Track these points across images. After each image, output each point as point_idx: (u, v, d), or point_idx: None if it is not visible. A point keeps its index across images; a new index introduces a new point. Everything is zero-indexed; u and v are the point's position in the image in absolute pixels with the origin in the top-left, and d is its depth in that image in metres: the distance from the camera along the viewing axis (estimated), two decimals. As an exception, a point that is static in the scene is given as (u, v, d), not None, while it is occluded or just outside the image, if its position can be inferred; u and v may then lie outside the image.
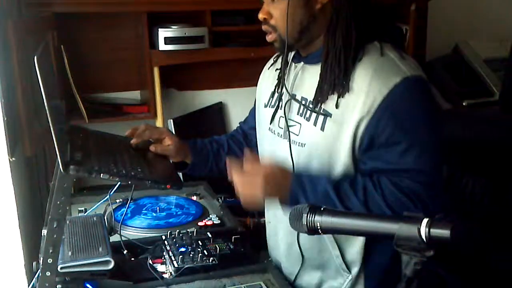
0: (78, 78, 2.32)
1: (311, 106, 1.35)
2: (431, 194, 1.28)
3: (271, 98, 1.51)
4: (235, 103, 2.91)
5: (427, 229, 0.89)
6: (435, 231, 0.88)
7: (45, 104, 1.14)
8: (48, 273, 1.22)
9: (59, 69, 2.22)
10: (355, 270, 1.40)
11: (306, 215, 1.03)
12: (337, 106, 1.29)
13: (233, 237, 1.60)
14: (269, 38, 1.39)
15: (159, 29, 2.39)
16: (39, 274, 1.25)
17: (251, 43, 2.60)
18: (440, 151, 1.33)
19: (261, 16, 1.38)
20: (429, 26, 2.86)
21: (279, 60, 1.52)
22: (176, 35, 2.40)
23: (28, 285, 1.43)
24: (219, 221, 1.77)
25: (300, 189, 1.28)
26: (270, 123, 1.48)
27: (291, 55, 1.46)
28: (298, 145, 1.38)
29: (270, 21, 1.37)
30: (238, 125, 1.82)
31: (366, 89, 1.26)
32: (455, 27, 3.14)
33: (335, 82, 1.30)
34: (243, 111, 2.88)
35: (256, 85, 1.66)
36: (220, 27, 2.52)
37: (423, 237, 0.89)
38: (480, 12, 3.22)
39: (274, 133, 1.47)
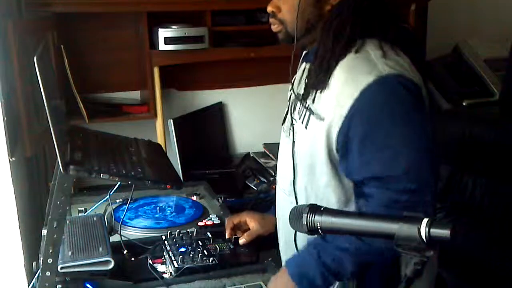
0: (78, 78, 2.32)
1: (303, 103, 1.36)
2: (409, 199, 1.22)
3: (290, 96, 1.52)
4: (235, 103, 2.91)
5: (427, 229, 0.89)
6: (435, 231, 0.88)
7: (45, 104, 1.14)
8: (48, 273, 1.22)
9: (59, 69, 2.22)
10: None
11: (306, 215, 1.03)
12: (313, 101, 1.30)
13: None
14: (274, 28, 1.40)
15: (159, 29, 2.39)
16: (39, 274, 1.25)
17: (251, 43, 2.60)
18: (420, 154, 1.24)
19: (269, 9, 1.38)
20: (429, 26, 2.86)
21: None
22: (176, 35, 2.40)
23: (28, 285, 1.44)
24: (219, 221, 1.77)
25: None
26: (283, 123, 1.50)
27: (302, 54, 1.47)
28: (292, 143, 1.39)
29: (278, 14, 1.37)
30: None
31: (340, 89, 1.25)
32: (455, 27, 3.14)
33: (317, 79, 1.29)
34: (243, 111, 2.91)
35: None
36: (220, 27, 2.52)
37: (423, 237, 0.89)
38: (480, 12, 3.22)
39: (284, 132, 1.49)
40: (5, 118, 1.62)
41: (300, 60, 1.48)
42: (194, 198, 1.99)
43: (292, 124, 1.41)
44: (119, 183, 1.40)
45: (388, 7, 1.34)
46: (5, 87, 1.66)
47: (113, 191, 1.58)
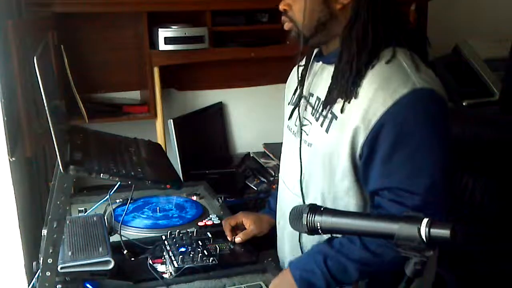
0: (78, 78, 2.32)
1: (321, 107, 1.34)
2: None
3: (293, 96, 1.50)
4: (235, 103, 2.91)
5: (427, 229, 0.89)
6: (435, 231, 0.88)
7: (45, 104, 1.14)
8: (48, 273, 1.22)
9: (59, 69, 2.22)
10: None
11: (306, 215, 1.03)
12: (342, 110, 1.27)
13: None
14: (285, 26, 1.38)
15: (159, 29, 2.39)
16: (39, 274, 1.25)
17: (251, 43, 2.60)
18: (443, 175, 1.23)
19: (281, 7, 1.37)
20: (429, 26, 2.86)
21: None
22: (176, 35, 2.40)
23: (28, 285, 1.43)
24: (219, 221, 1.77)
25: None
26: (289, 119, 1.49)
27: (313, 53, 1.45)
28: (307, 145, 1.37)
29: (289, 12, 1.36)
30: None
31: (371, 97, 1.22)
32: (455, 27, 3.14)
33: (345, 87, 1.27)
34: (243, 111, 2.91)
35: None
36: (220, 27, 2.52)
37: (423, 237, 0.89)
38: (480, 12, 3.22)
39: (290, 131, 1.48)
40: (5, 118, 1.62)
41: (312, 58, 1.45)
42: (194, 198, 1.99)
43: (302, 124, 1.39)
44: (119, 183, 1.40)
45: (399, 10, 1.34)
46: (5, 87, 1.66)
47: (113, 191, 1.58)
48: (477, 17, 3.21)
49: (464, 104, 2.86)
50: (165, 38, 2.39)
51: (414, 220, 0.91)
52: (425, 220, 0.90)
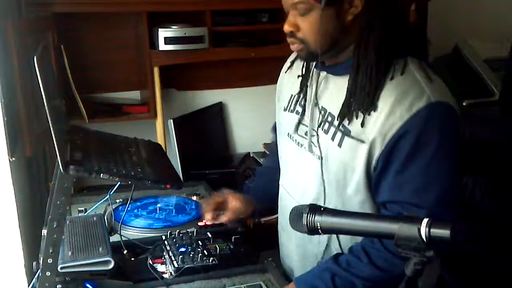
0: (78, 78, 2.32)
1: (329, 119, 1.31)
2: None
3: (291, 102, 1.46)
4: (235, 103, 2.91)
5: (427, 229, 0.89)
6: (435, 231, 0.88)
7: (45, 104, 1.14)
8: (48, 273, 1.22)
9: (59, 69, 2.22)
10: None
11: (306, 215, 1.03)
12: (362, 124, 1.24)
13: (233, 237, 1.60)
14: (294, 47, 1.33)
15: (159, 29, 2.39)
16: (39, 274, 1.25)
17: (251, 43, 2.60)
18: (452, 189, 1.24)
19: (287, 28, 1.29)
20: (429, 26, 2.86)
21: (296, 64, 1.49)
22: (176, 35, 2.40)
23: (28, 285, 1.43)
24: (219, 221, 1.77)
25: None
26: (293, 131, 1.43)
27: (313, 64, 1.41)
28: (317, 157, 1.34)
29: (297, 34, 1.29)
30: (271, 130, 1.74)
31: (388, 111, 1.21)
32: (455, 27, 3.14)
33: (365, 99, 1.24)
34: (243, 111, 2.91)
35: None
36: (220, 27, 2.52)
37: (423, 237, 0.89)
38: (480, 12, 3.22)
39: (293, 141, 1.44)
40: (5, 118, 1.62)
41: (311, 66, 1.40)
42: (194, 198, 1.99)
43: (312, 137, 1.36)
44: (119, 183, 1.40)
45: (406, 18, 1.32)
46: (5, 87, 1.66)
47: (113, 191, 1.58)
48: (477, 17, 3.21)
49: (464, 104, 2.86)
50: (165, 38, 2.39)
51: (414, 220, 0.91)
52: (425, 220, 0.90)
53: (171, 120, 2.52)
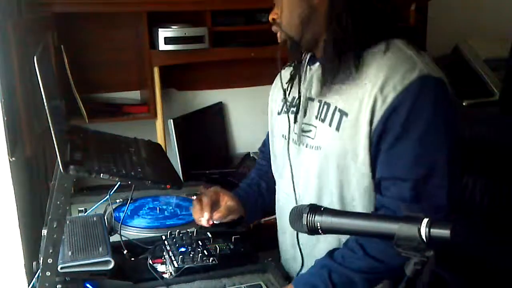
0: (78, 78, 2.32)
1: (325, 107, 1.32)
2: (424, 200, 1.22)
3: (284, 104, 1.46)
4: (235, 103, 2.91)
5: (427, 229, 0.89)
6: (435, 231, 0.88)
7: (45, 104, 1.14)
8: (48, 273, 1.22)
9: (59, 69, 2.22)
10: None
11: (306, 215, 1.03)
12: (346, 103, 1.27)
13: (233, 237, 1.60)
14: (278, 38, 1.38)
15: (159, 29, 2.39)
16: (39, 274, 1.25)
17: (251, 43, 2.60)
18: (446, 165, 1.23)
19: (270, 17, 1.37)
20: (429, 26, 2.86)
21: (287, 68, 1.51)
22: (176, 35, 2.40)
23: (28, 285, 1.43)
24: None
25: None
26: (288, 131, 1.43)
27: (306, 58, 1.40)
28: (315, 149, 1.34)
29: (277, 20, 1.36)
30: (259, 152, 1.78)
31: (380, 85, 1.23)
32: (455, 27, 3.14)
33: (336, 74, 1.27)
34: (243, 111, 2.91)
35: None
36: (220, 27, 2.52)
37: (423, 237, 0.89)
38: (480, 12, 3.22)
39: (286, 139, 1.44)
40: (5, 118, 1.62)
41: (305, 64, 1.41)
42: (194, 198, 1.99)
43: (304, 130, 1.37)
44: (119, 183, 1.40)
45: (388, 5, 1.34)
46: (5, 87, 1.65)
47: (113, 191, 1.58)
48: (477, 17, 3.21)
49: (464, 104, 2.86)
50: (165, 38, 2.39)
51: (414, 220, 0.91)
52: (425, 220, 0.90)
53: (171, 120, 2.52)
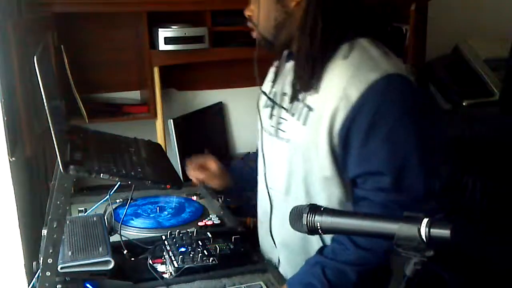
0: (78, 78, 2.32)
1: (296, 102, 1.37)
2: (401, 199, 1.25)
3: (267, 99, 1.53)
4: (235, 103, 2.91)
5: (427, 229, 0.89)
6: (435, 231, 0.88)
7: (45, 104, 1.14)
8: (48, 273, 1.22)
9: (59, 69, 2.22)
10: None
11: (306, 215, 1.03)
12: (314, 101, 1.31)
13: (233, 237, 1.60)
14: (253, 35, 1.43)
15: (159, 29, 2.39)
16: (39, 274, 1.25)
17: (251, 43, 2.59)
18: (419, 157, 1.26)
19: (246, 13, 1.44)
20: (429, 26, 2.86)
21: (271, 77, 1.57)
22: (176, 35, 2.40)
23: (28, 285, 1.43)
24: (219, 221, 1.77)
25: None
26: (266, 124, 1.51)
27: (284, 55, 1.47)
28: (285, 141, 1.40)
29: (253, 18, 1.40)
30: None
31: (344, 85, 1.25)
32: (455, 27, 3.13)
33: (305, 79, 1.31)
34: (243, 111, 2.91)
35: (256, 85, 1.66)
36: (220, 27, 2.52)
37: (423, 237, 0.89)
38: (480, 12, 3.22)
39: (267, 133, 1.50)
40: (5, 118, 1.62)
41: (283, 61, 1.48)
42: (194, 198, 1.99)
43: (278, 123, 1.42)
44: (119, 183, 1.40)
45: (364, 3, 1.37)
46: (5, 87, 1.66)
47: (113, 191, 1.58)
48: (477, 17, 3.21)
49: (464, 104, 2.86)
50: (165, 38, 2.39)
51: (414, 220, 0.91)
52: (425, 220, 0.90)
53: (171, 120, 2.52)
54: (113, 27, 2.53)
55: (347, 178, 1.33)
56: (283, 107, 1.40)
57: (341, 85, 1.26)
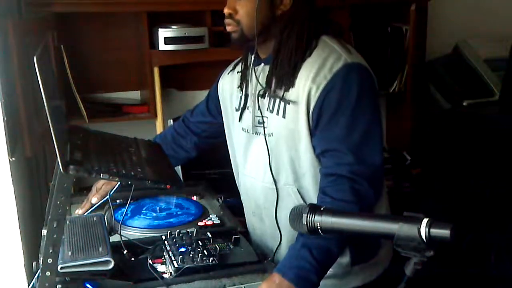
0: (78, 78, 2.32)
1: (273, 99, 1.53)
2: (370, 173, 1.41)
3: (241, 101, 1.65)
4: (235, 103, 2.91)
5: (427, 229, 0.89)
6: (435, 231, 0.89)
7: (45, 104, 1.14)
8: (48, 273, 1.22)
9: (59, 69, 2.22)
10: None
11: (306, 215, 1.03)
12: (297, 91, 1.47)
13: (233, 237, 1.60)
14: (229, 28, 1.54)
15: (159, 29, 2.39)
16: (39, 274, 1.25)
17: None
18: (378, 135, 1.47)
19: (226, 11, 1.53)
20: (429, 26, 2.86)
21: (238, 67, 1.72)
22: (176, 35, 2.40)
23: (28, 285, 1.43)
24: (219, 221, 1.77)
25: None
26: (242, 123, 1.65)
27: (251, 59, 1.62)
28: (269, 135, 1.55)
29: (235, 16, 1.52)
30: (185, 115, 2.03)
31: (314, 76, 1.45)
32: (455, 27, 3.14)
33: (283, 77, 1.49)
34: (243, 111, 2.90)
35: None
36: (220, 27, 2.52)
37: (423, 237, 0.89)
38: (480, 12, 3.22)
39: (246, 132, 1.64)
40: (5, 118, 1.62)
41: (249, 64, 1.63)
42: (194, 198, 1.99)
43: (259, 122, 1.57)
44: (119, 183, 1.40)
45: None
46: (5, 87, 1.66)
47: (113, 191, 1.58)
48: (477, 17, 3.21)
49: (464, 104, 2.86)
50: (165, 38, 2.39)
51: (414, 220, 0.91)
52: (425, 220, 0.90)
53: (171, 120, 2.52)
54: (113, 27, 2.53)
55: (315, 154, 1.49)
56: (259, 107, 1.56)
57: (311, 75, 1.46)
